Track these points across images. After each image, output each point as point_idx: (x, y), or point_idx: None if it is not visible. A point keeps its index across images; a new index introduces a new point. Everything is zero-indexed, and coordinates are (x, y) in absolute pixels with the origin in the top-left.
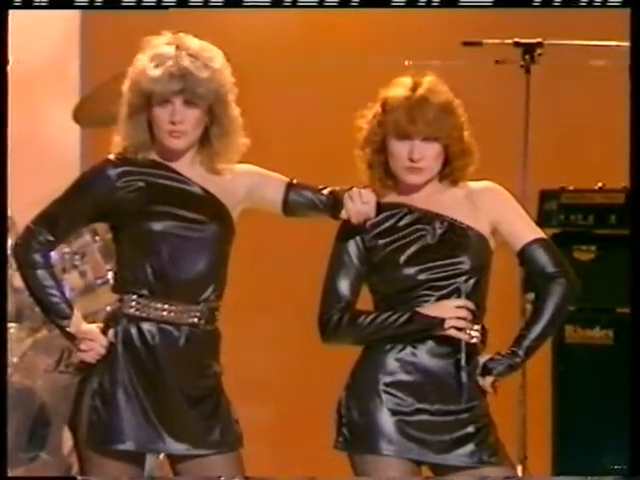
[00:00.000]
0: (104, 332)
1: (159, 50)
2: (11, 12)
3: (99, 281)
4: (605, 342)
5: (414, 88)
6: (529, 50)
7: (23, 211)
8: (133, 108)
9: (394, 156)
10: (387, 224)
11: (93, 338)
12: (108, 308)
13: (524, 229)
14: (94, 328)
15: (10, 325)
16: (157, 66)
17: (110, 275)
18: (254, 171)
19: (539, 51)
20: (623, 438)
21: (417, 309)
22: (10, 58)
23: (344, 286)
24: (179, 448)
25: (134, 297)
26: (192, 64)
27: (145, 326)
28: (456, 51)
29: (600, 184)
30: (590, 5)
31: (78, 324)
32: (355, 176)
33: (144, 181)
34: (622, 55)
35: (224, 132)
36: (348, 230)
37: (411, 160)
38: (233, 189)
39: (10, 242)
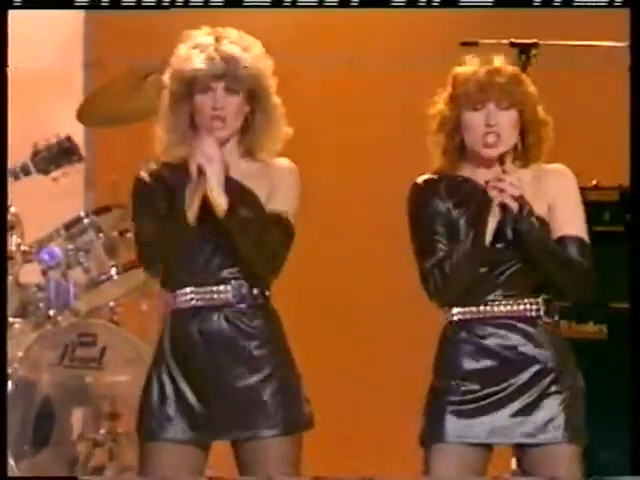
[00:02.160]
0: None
1: (200, 40)
2: (15, 14)
3: (103, 277)
4: (599, 337)
5: (483, 64)
6: (525, 50)
7: (28, 209)
8: (175, 97)
9: (470, 128)
10: (462, 195)
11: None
12: (112, 303)
13: (570, 220)
14: None
15: (15, 320)
16: (199, 53)
17: (114, 271)
18: (285, 183)
19: (534, 51)
20: (618, 432)
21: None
22: (12, 60)
23: (437, 237)
24: (239, 432)
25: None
26: (233, 50)
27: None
28: (455, 50)
29: (594, 182)
30: (590, 5)
31: None
32: (354, 175)
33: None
34: (617, 55)
35: (267, 119)
36: (424, 196)
37: (488, 125)
38: (264, 185)
39: (15, 239)
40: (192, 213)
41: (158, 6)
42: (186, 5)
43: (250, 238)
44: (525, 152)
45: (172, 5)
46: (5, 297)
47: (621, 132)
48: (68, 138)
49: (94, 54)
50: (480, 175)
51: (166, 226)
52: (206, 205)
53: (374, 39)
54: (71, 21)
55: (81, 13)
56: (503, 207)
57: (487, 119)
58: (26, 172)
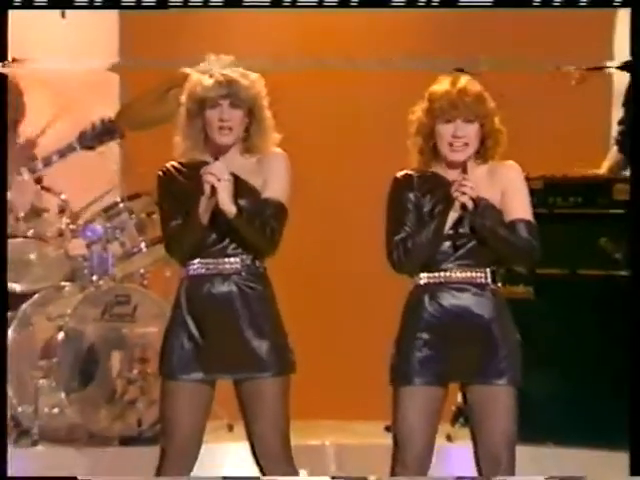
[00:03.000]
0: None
1: (209, 67)
2: (54, 20)
3: (135, 249)
4: (527, 296)
5: (454, 83)
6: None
7: (75, 195)
8: (191, 113)
9: (441, 137)
10: (428, 187)
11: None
12: (142, 271)
13: (519, 206)
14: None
15: (65, 284)
16: (208, 78)
17: (143, 245)
18: (277, 170)
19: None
20: (544, 375)
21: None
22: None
23: (407, 221)
24: (239, 373)
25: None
26: (235, 75)
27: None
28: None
29: (524, 173)
30: (590, 5)
31: None
32: (345, 165)
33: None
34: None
35: (262, 129)
36: (401, 188)
37: (455, 137)
38: (260, 176)
39: (65, 219)
40: (205, 219)
41: (158, 6)
42: (186, 5)
43: (254, 229)
44: (484, 153)
45: (172, 5)
46: (6, 297)
47: (544, 133)
48: (110, 119)
49: (130, 55)
50: (448, 172)
51: (186, 227)
52: (217, 211)
53: (365, 40)
54: (108, 34)
55: (117, 26)
56: (463, 206)
57: (455, 131)
58: (72, 150)
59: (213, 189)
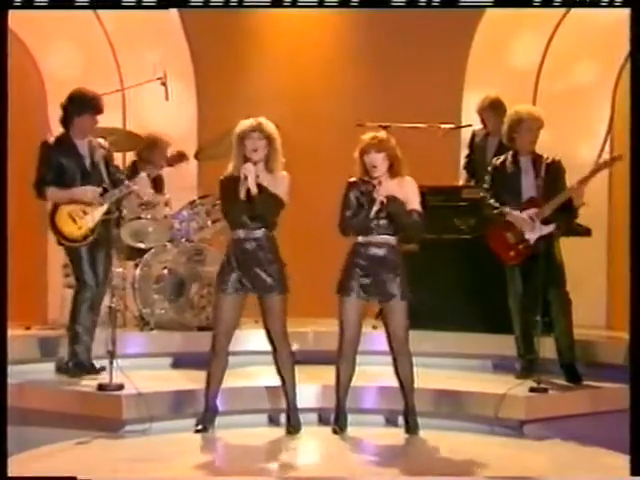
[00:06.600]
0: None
1: (248, 120)
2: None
3: (204, 225)
4: (414, 250)
5: (371, 134)
6: (385, 128)
7: (172, 195)
8: (237, 143)
9: (367, 162)
10: (364, 188)
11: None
12: (208, 237)
13: (414, 202)
14: None
15: (168, 244)
16: (246, 123)
17: (209, 223)
18: (283, 183)
19: (386, 130)
20: (421, 296)
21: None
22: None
23: (351, 207)
24: (259, 292)
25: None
26: (262, 121)
27: (244, 241)
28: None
29: (417, 184)
30: (591, 5)
31: None
32: (321, 174)
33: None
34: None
35: (275, 155)
36: (349, 188)
37: (374, 160)
38: (273, 184)
39: (168, 209)
40: (242, 194)
41: (158, 6)
42: (186, 5)
43: (266, 206)
44: (392, 171)
45: (172, 5)
46: (5, 297)
47: (428, 161)
48: (182, 152)
49: (202, 125)
50: (373, 180)
51: (232, 202)
52: (248, 192)
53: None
54: (189, 106)
55: (195, 102)
56: (381, 202)
57: (372, 158)
58: (162, 167)
59: (245, 177)
